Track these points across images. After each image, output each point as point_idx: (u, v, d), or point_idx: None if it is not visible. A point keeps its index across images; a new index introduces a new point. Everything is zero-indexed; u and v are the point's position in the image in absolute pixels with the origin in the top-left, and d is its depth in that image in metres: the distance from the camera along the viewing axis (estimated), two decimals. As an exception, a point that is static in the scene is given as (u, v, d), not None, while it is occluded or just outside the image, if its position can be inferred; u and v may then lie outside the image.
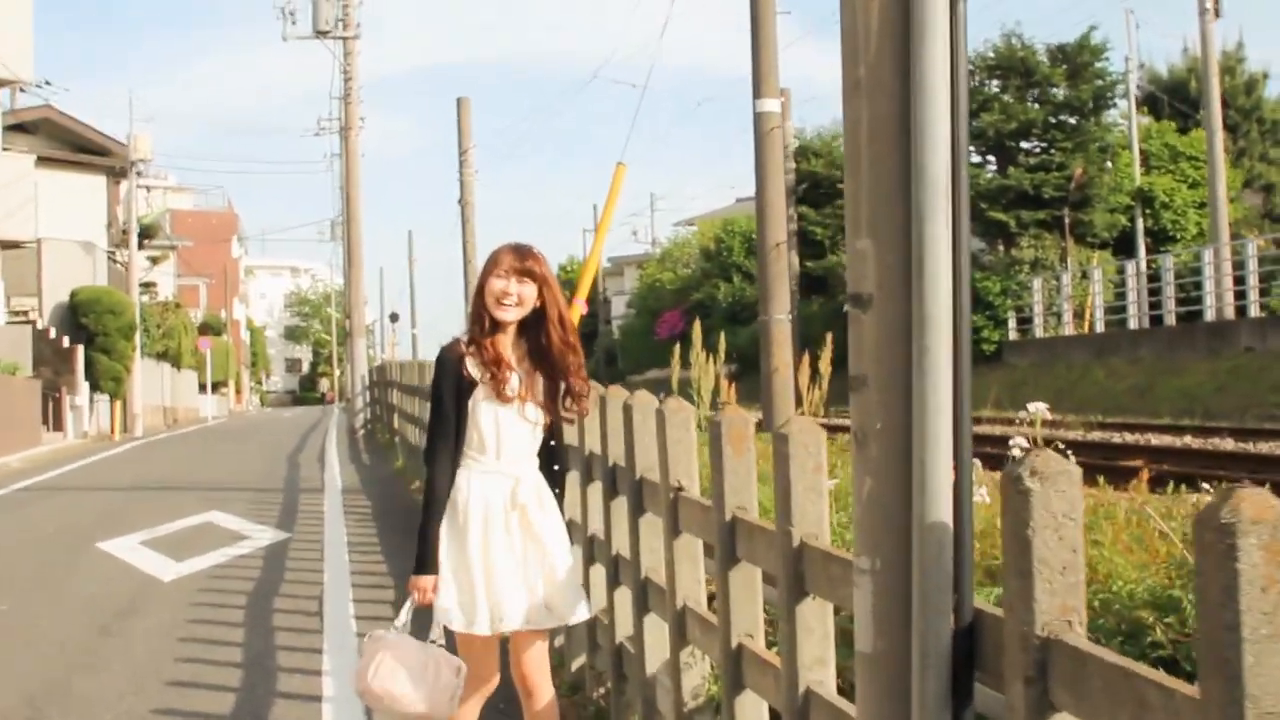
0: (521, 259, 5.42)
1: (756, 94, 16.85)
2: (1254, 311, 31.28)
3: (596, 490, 7.05)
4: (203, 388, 61.30)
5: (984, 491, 6.61)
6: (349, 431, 37.31)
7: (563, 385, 5.51)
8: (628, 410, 6.06)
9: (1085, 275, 39.43)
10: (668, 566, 5.44)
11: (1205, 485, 7.48)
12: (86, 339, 40.46)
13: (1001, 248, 41.93)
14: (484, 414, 5.43)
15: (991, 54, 41.81)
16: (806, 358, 11.30)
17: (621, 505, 6.50)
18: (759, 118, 16.84)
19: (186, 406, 57.95)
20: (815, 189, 49.30)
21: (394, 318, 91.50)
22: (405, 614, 5.43)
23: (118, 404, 41.20)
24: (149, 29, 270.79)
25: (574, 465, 8.11)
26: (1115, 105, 43.28)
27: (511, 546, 5.46)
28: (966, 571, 2.91)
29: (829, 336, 12.37)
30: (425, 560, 5.37)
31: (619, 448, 6.49)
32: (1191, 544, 5.28)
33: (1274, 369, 27.29)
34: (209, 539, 14.81)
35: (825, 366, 12.14)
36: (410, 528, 14.96)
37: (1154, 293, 36.44)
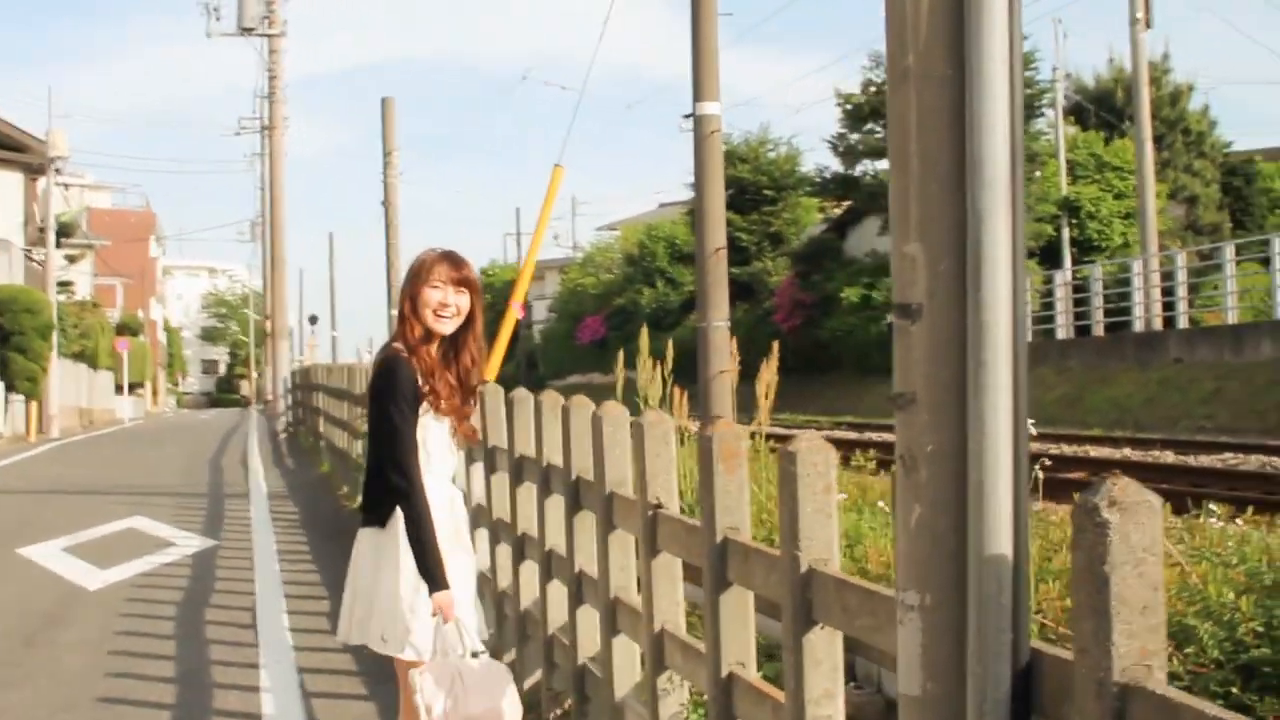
0: (458, 268, 5.25)
1: (697, 96, 16.50)
2: (1183, 323, 31.34)
3: (557, 504, 6.73)
4: (120, 389, 60.32)
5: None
6: (271, 435, 36.74)
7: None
8: (597, 421, 5.76)
9: (1012, 284, 39.40)
10: (644, 588, 5.15)
11: (1212, 506, 7.30)
12: (2, 338, 39.64)
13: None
14: (432, 428, 5.22)
15: (920, 62, 41.68)
16: (765, 365, 10.99)
17: (587, 520, 6.21)
18: (699, 120, 16.49)
19: (103, 408, 56.99)
20: (741, 195, 49.07)
21: (313, 320, 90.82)
22: (435, 638, 5.09)
23: (34, 404, 40.40)
24: (64, 22, 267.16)
25: (501, 466, 7.85)
26: (1043, 114, 43.32)
27: (460, 564, 5.29)
28: (1023, 608, 2.65)
29: (775, 345, 12.09)
30: (443, 576, 5.04)
31: (585, 460, 6.19)
32: (1198, 567, 5.07)
33: (1203, 381, 27.33)
34: (134, 545, 14.39)
35: (771, 374, 11.87)
36: (339, 534, 14.64)
37: (1080, 303, 36.51)
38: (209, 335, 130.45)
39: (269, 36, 37.58)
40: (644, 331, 11.31)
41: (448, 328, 5.20)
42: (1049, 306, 37.66)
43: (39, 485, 21.98)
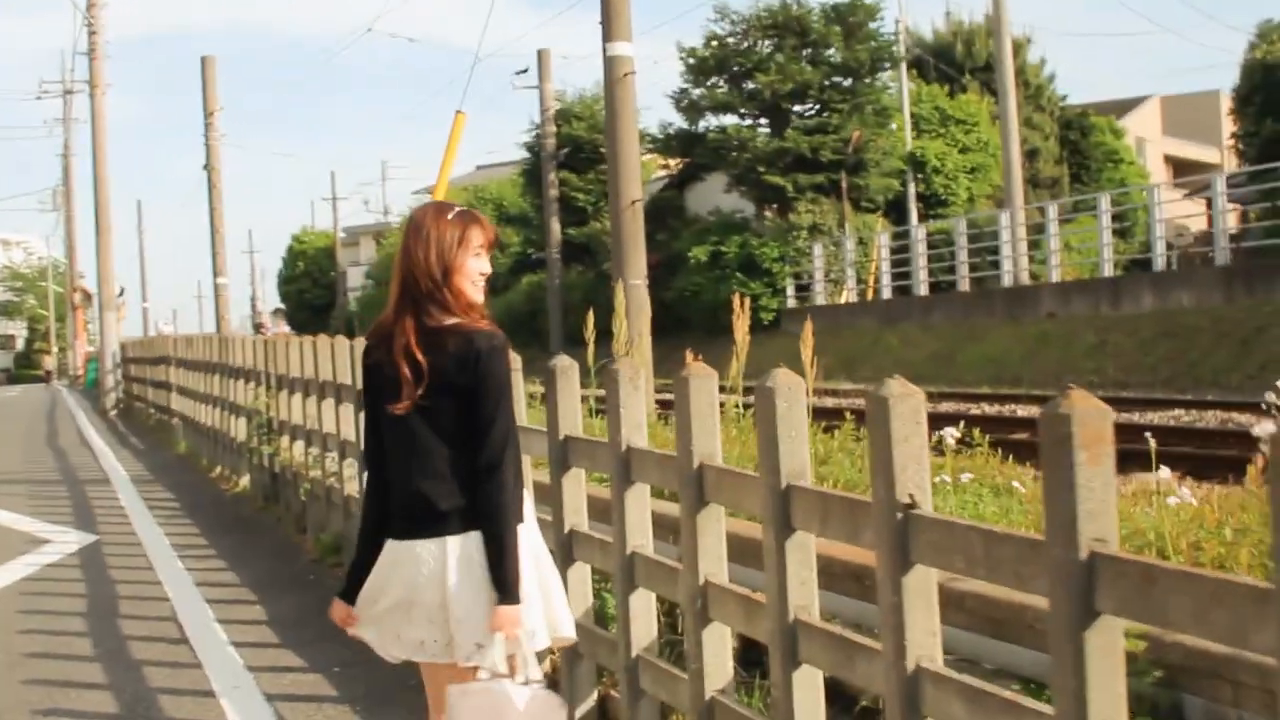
0: (490, 229, 4.66)
1: (607, 36, 15.30)
2: (1055, 276, 30.73)
3: (640, 496, 5.48)
4: (-80, 367, 57.31)
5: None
6: (100, 413, 34.65)
7: None
8: (766, 394, 4.47)
9: (862, 241, 38.73)
10: (888, 613, 3.87)
11: None
12: None
13: (774, 213, 41.02)
14: None
15: (766, 13, 40.73)
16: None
17: (713, 517, 4.96)
18: (610, 62, 15.27)
19: (-96, 388, 54.04)
20: (577, 153, 47.71)
21: (120, 291, 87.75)
22: (498, 660, 4.38)
23: None
24: None
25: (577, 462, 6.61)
26: (889, 68, 42.58)
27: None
28: None
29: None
30: (518, 589, 4.43)
31: (710, 444, 4.96)
32: None
33: (1083, 334, 26.72)
34: (2, 544, 12.74)
35: (743, 333, 10.74)
36: (234, 524, 13.20)
37: (936, 259, 35.87)
38: (4, 309, 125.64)
39: (87, -12, 35.43)
40: (619, 291, 10.00)
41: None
42: (904, 263, 36.93)
43: None
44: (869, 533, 4.00)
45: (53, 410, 37.66)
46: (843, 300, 37.95)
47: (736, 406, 10.50)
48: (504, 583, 4.36)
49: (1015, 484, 7.22)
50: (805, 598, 4.42)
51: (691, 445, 5.03)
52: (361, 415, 9.82)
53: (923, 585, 3.82)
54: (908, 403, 3.81)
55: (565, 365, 6.24)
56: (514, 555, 4.38)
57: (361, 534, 4.72)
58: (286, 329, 32.23)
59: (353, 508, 10.25)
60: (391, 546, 4.52)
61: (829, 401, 19.67)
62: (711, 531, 5.03)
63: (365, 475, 4.93)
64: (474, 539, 4.40)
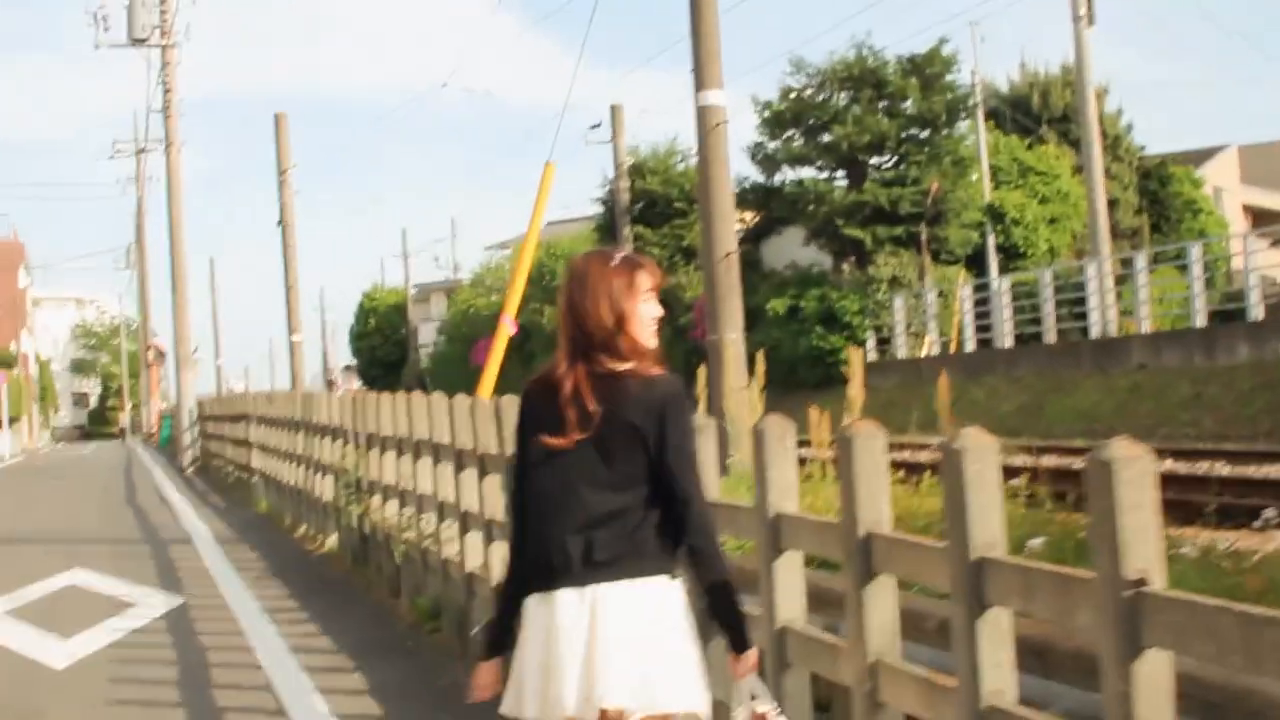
0: (657, 274, 4.41)
1: (699, 85, 14.97)
2: (1146, 327, 30.10)
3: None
4: (-3, 425, 57.43)
5: None
6: (177, 470, 34.51)
7: None
8: (954, 456, 4.04)
9: (943, 293, 38.20)
10: (1116, 703, 3.43)
11: None
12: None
13: (852, 265, 40.61)
14: None
15: (841, 66, 40.38)
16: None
17: (883, 591, 4.54)
18: (703, 112, 14.92)
19: (-20, 445, 54.17)
20: (651, 208, 47.56)
21: (194, 349, 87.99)
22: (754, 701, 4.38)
23: (-86, 444, 37.82)
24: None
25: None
26: (966, 119, 42.10)
27: None
28: None
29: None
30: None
31: (876, 510, 4.54)
32: None
33: (1178, 386, 26.06)
34: (87, 607, 12.41)
35: (857, 385, 10.37)
36: (324, 586, 12.85)
37: (1018, 310, 35.31)
38: (79, 367, 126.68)
39: (163, 47, 35.52)
40: (728, 341, 9.60)
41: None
42: (985, 315, 36.37)
43: (-56, 534, 19.75)
44: (1084, 612, 3.58)
45: (129, 467, 37.55)
46: (924, 353, 37.38)
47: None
48: (738, 628, 4.34)
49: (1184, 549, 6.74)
50: (1001, 682, 4.00)
51: (857, 511, 4.63)
52: (465, 473, 9.56)
53: (1157, 673, 3.38)
54: (1135, 466, 3.39)
55: (701, 423, 5.85)
56: (738, 598, 4.33)
57: (508, 585, 4.41)
58: (358, 385, 32.05)
59: (451, 571, 9.90)
60: (542, 600, 4.18)
61: (923, 456, 19.14)
62: (881, 606, 4.62)
63: (511, 528, 4.54)
64: (649, 586, 4.16)
